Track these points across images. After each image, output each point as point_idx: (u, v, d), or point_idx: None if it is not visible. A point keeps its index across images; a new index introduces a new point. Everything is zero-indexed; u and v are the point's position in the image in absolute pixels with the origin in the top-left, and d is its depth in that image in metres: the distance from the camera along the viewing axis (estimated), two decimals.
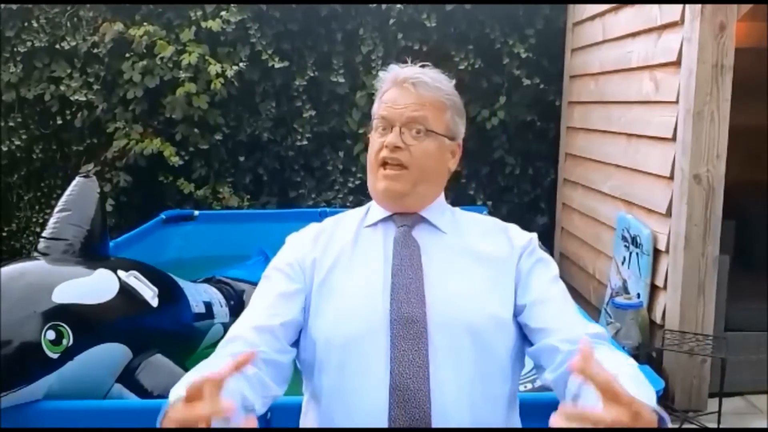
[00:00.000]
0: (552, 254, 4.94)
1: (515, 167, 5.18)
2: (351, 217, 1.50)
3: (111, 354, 2.04)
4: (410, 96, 1.41)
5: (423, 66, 1.46)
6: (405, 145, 1.39)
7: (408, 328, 1.30)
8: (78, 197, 2.29)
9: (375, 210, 1.48)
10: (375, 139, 1.44)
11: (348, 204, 5.00)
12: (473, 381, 1.29)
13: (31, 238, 4.99)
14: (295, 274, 1.38)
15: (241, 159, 5.03)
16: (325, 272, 1.39)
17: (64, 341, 1.86)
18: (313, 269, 1.39)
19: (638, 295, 3.44)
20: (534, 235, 1.48)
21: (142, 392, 2.08)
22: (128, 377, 2.09)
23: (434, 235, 1.43)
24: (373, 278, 1.37)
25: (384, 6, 4.83)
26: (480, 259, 1.40)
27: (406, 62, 1.48)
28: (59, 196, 5.12)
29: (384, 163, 1.40)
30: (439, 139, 1.42)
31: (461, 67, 4.84)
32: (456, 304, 1.33)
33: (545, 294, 1.38)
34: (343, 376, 1.30)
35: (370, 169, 1.45)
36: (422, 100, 1.42)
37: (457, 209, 1.52)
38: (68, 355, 1.87)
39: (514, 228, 1.49)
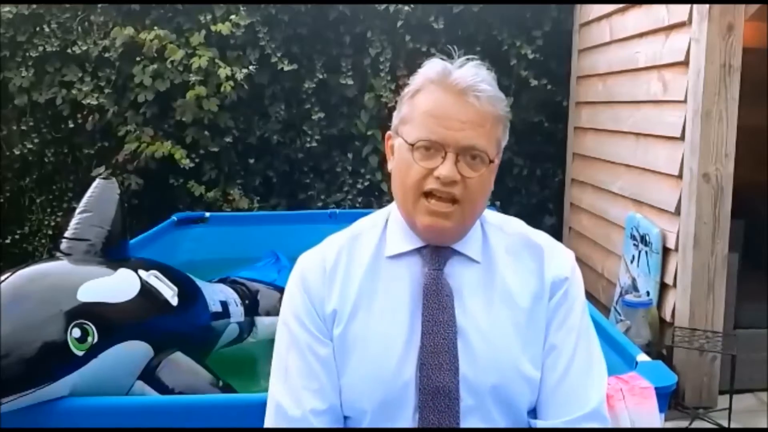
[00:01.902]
0: None
1: (523, 168, 5.21)
2: (367, 238, 1.30)
3: (133, 352, 2.07)
4: (468, 110, 1.19)
5: (469, 59, 1.24)
6: (461, 178, 1.18)
7: (438, 400, 1.19)
8: (99, 199, 2.33)
9: (396, 235, 1.28)
10: (414, 160, 1.20)
11: (357, 205, 5.04)
12: None
13: (43, 241, 5.03)
14: (320, 330, 1.24)
15: (251, 161, 5.07)
16: (344, 323, 1.24)
17: (89, 339, 1.89)
18: (332, 320, 1.24)
19: (647, 294, 3.47)
20: (570, 274, 1.29)
21: (163, 389, 2.12)
22: (149, 375, 2.13)
23: (466, 269, 1.26)
24: (398, 333, 1.22)
25: (392, 9, 4.86)
26: (512, 302, 1.25)
27: (451, 57, 1.24)
28: (71, 199, 5.18)
29: (429, 193, 1.19)
30: (493, 165, 1.23)
31: None
32: (486, 369, 1.22)
33: (556, 357, 1.26)
34: None
35: (405, 196, 1.22)
36: (483, 117, 1.20)
37: (485, 217, 1.32)
38: (93, 352, 1.91)
39: (550, 253, 1.30)
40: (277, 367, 1.27)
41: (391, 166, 1.29)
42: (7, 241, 5.02)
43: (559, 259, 1.30)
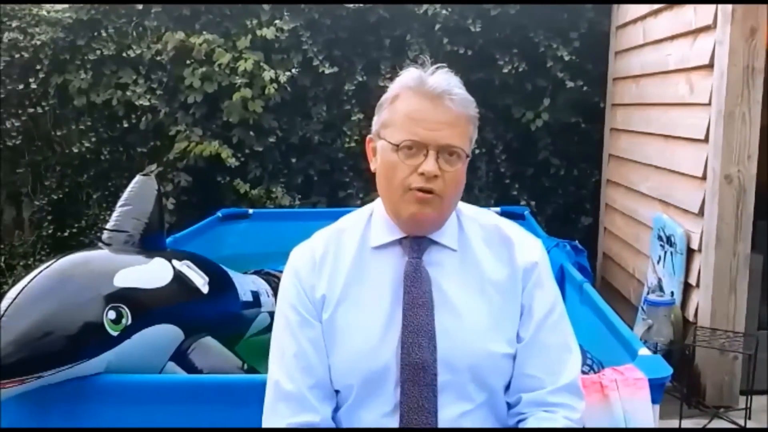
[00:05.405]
0: (595, 254, 5.01)
1: (560, 168, 5.25)
2: (352, 231, 1.44)
3: (165, 334, 2.23)
4: (445, 113, 1.32)
5: (439, 68, 1.38)
6: (441, 173, 1.32)
7: (418, 374, 1.31)
8: (138, 194, 2.51)
9: (379, 228, 1.42)
10: (399, 160, 1.33)
11: None
12: (474, 412, 1.35)
13: (99, 234, 5.30)
14: (311, 314, 1.39)
15: (293, 160, 5.25)
16: (332, 308, 1.37)
17: (123, 321, 2.05)
18: (322, 305, 1.38)
19: (672, 293, 3.51)
20: (538, 258, 1.42)
21: (192, 370, 2.27)
22: (180, 356, 2.28)
23: (444, 257, 1.39)
24: (381, 316, 1.36)
25: (430, 12, 4.97)
26: (487, 287, 1.38)
27: (422, 63, 1.39)
28: None
29: (413, 189, 1.33)
30: (466, 160, 1.36)
31: (505, 70, 4.96)
32: (462, 347, 1.34)
33: (532, 336, 1.38)
34: (353, 413, 1.37)
35: (391, 192, 1.35)
36: (458, 118, 1.33)
37: (461, 209, 1.45)
38: (126, 333, 2.05)
39: (519, 243, 1.43)
40: (275, 349, 1.43)
41: (374, 166, 1.44)
42: (65, 234, 5.32)
43: (528, 248, 1.44)
